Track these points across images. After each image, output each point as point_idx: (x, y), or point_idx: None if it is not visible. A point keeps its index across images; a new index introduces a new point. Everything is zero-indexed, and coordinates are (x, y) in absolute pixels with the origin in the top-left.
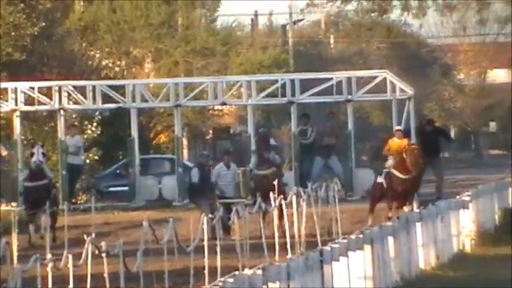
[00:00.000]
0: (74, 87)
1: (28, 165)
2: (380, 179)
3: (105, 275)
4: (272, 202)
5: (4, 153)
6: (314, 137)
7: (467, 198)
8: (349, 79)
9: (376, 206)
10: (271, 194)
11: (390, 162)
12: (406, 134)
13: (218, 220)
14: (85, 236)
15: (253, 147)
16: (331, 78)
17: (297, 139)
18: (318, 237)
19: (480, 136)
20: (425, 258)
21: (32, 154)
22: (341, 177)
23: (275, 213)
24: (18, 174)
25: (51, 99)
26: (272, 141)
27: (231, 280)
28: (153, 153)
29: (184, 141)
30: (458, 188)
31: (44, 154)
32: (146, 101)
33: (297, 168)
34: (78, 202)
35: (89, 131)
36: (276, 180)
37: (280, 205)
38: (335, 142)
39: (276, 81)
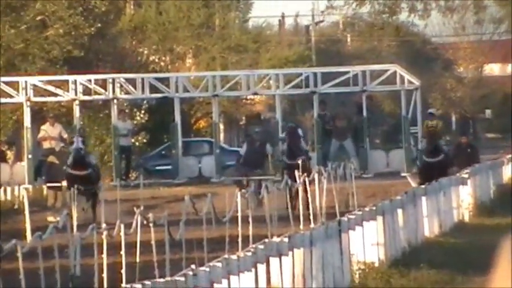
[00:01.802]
0: (126, 79)
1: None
2: None
3: (152, 242)
4: (297, 179)
5: (65, 135)
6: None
7: (466, 176)
8: (363, 72)
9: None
10: (296, 172)
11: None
12: (413, 120)
13: (251, 194)
14: (135, 209)
15: (280, 134)
16: (348, 72)
17: (318, 124)
18: (337, 209)
19: (477, 122)
20: (429, 228)
21: (72, 143)
22: (354, 157)
23: (300, 188)
24: None
25: (105, 90)
26: (300, 132)
27: (262, 247)
28: (193, 137)
29: (221, 126)
30: None
31: (83, 142)
32: (188, 91)
33: (319, 149)
34: (129, 179)
35: (138, 118)
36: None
37: (305, 182)
38: (346, 126)
39: (301, 74)
